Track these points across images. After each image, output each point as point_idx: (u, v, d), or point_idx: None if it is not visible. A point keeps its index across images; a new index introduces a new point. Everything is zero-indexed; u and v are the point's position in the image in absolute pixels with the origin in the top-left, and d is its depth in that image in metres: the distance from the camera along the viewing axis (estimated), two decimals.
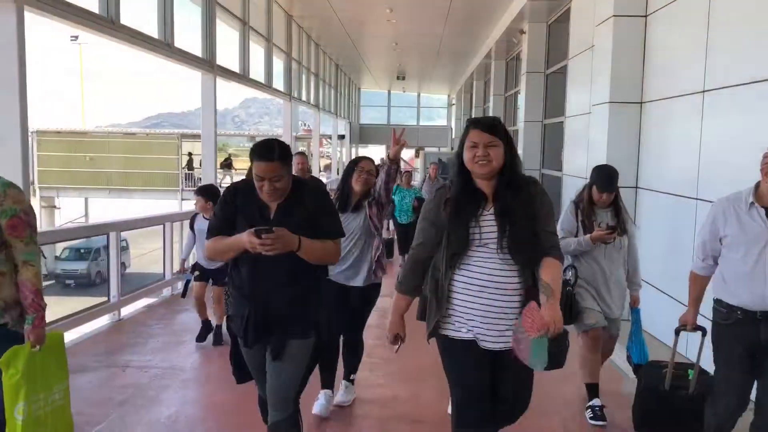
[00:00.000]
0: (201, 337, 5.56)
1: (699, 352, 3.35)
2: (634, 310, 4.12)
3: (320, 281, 2.86)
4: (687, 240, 5.09)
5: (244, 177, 3.13)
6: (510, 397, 2.68)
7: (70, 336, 5.75)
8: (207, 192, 5.56)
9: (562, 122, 9.42)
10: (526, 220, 2.52)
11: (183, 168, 29.96)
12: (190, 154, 29.90)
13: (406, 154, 32.60)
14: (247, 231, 2.52)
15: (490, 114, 16.52)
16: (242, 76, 11.17)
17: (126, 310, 6.66)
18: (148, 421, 3.97)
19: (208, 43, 9.20)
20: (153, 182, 29.67)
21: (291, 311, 2.70)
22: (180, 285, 7.48)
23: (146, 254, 12.42)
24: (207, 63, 9.05)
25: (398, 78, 25.13)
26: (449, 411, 3.96)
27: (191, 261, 6.03)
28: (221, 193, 2.85)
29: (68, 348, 5.30)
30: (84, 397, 4.29)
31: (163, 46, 7.67)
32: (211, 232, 2.75)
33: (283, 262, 2.59)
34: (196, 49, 8.95)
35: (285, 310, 2.69)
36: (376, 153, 31.67)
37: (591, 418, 4.00)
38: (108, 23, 6.17)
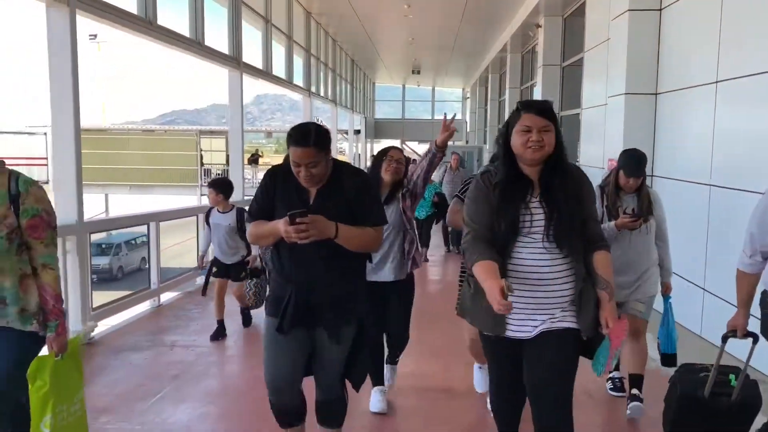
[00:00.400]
0: (215, 336, 5.49)
1: (748, 359, 3.07)
2: (666, 297, 3.96)
3: (362, 268, 2.82)
4: (701, 223, 5.34)
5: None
6: (548, 382, 2.48)
7: (116, 320, 6.13)
8: (218, 185, 5.58)
9: (578, 114, 9.64)
10: (574, 207, 2.43)
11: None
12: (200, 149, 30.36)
13: (420, 148, 32.79)
14: (284, 218, 2.46)
15: (507, 106, 16.74)
16: (266, 73, 11.50)
17: (163, 297, 7.03)
18: (201, 391, 4.33)
19: (235, 41, 9.52)
20: (172, 178, 30.07)
21: (332, 298, 2.66)
22: (199, 280, 7.74)
23: (163, 250, 12.65)
24: (234, 60, 9.38)
25: (413, 72, 25.35)
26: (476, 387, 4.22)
27: (210, 255, 6.01)
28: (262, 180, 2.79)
29: (118, 329, 5.78)
30: (141, 371, 4.70)
31: (195, 44, 8.01)
32: (251, 216, 2.72)
33: (322, 249, 2.54)
34: (223, 46, 9.29)
35: (325, 297, 2.64)
36: None
37: (611, 389, 4.27)
38: (147, 24, 6.51)
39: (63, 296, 2.60)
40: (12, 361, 2.49)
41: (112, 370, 4.71)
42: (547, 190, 2.44)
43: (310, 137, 2.51)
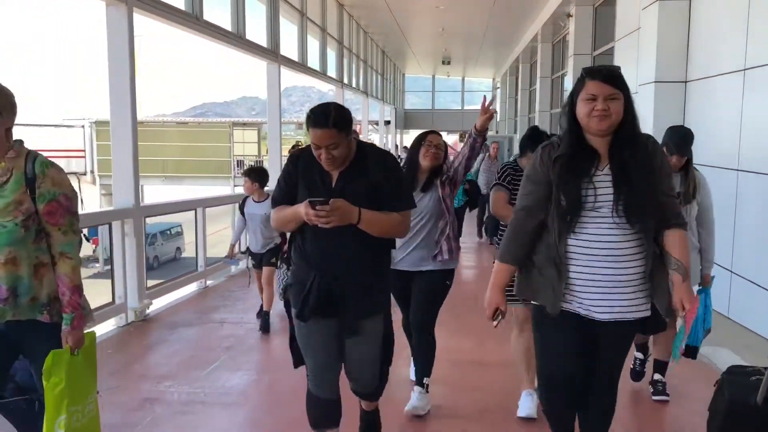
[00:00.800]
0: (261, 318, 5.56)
1: None
2: (703, 289, 3.73)
3: (388, 255, 2.71)
4: (729, 208, 5.50)
5: None
6: (605, 377, 2.48)
7: (165, 300, 6.51)
8: (253, 173, 5.54)
9: None
10: (645, 180, 2.26)
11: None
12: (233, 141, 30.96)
13: (449, 139, 32.87)
14: (304, 202, 2.40)
15: (537, 96, 16.83)
16: (302, 65, 11.83)
17: (207, 282, 7.41)
18: (254, 361, 4.69)
19: (273, 35, 9.87)
20: (206, 169, 30.70)
21: (356, 286, 2.55)
22: (234, 269, 7.93)
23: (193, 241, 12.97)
24: (272, 53, 9.72)
25: (443, 63, 25.47)
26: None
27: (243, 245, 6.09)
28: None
29: (169, 308, 6.15)
30: (196, 344, 5.08)
31: (237, 38, 8.37)
32: (275, 202, 2.64)
33: (346, 234, 2.44)
34: (261, 40, 9.63)
35: (349, 285, 2.54)
36: None
37: (653, 393, 4.40)
38: (194, 19, 6.88)
39: (82, 287, 2.38)
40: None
41: (169, 342, 5.08)
42: (615, 162, 2.29)
43: (329, 118, 2.39)
